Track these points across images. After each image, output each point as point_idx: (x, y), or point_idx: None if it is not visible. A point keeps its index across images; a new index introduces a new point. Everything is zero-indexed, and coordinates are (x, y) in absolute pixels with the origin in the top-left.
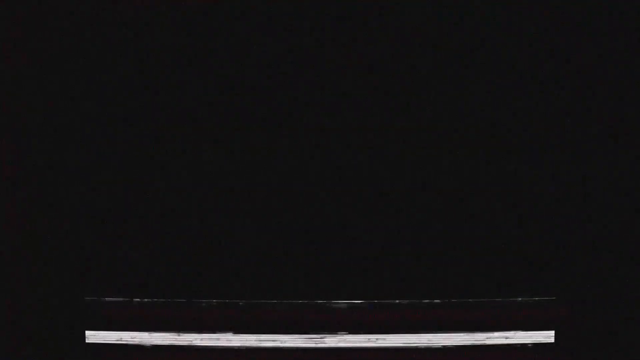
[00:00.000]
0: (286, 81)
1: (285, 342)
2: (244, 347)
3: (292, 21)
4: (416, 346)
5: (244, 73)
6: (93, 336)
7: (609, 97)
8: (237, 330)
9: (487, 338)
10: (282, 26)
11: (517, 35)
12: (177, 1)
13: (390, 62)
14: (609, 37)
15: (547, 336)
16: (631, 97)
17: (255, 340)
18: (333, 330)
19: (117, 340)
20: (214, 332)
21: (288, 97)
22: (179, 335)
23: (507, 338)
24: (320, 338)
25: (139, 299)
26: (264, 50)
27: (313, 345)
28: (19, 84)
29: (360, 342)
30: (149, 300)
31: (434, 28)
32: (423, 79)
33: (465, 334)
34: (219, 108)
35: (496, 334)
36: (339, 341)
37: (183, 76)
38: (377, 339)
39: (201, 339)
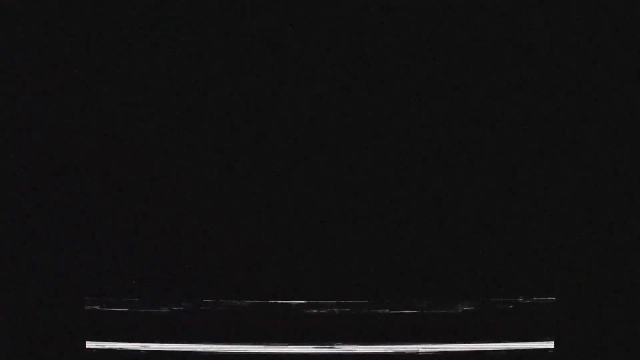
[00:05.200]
0: (283, 81)
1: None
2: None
3: (289, 21)
4: (407, 353)
5: (240, 72)
6: (93, 344)
7: (609, 97)
8: (240, 338)
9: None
10: (279, 25)
11: (516, 35)
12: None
13: (387, 62)
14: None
15: (546, 346)
16: (631, 97)
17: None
18: (324, 337)
19: (116, 346)
20: (214, 340)
21: (284, 97)
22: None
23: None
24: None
25: (137, 300)
26: (261, 50)
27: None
28: (19, 84)
29: (351, 350)
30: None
31: (430, 27)
32: (420, 79)
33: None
34: (217, 108)
35: (491, 345)
36: (330, 348)
37: (179, 75)
38: (368, 347)
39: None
